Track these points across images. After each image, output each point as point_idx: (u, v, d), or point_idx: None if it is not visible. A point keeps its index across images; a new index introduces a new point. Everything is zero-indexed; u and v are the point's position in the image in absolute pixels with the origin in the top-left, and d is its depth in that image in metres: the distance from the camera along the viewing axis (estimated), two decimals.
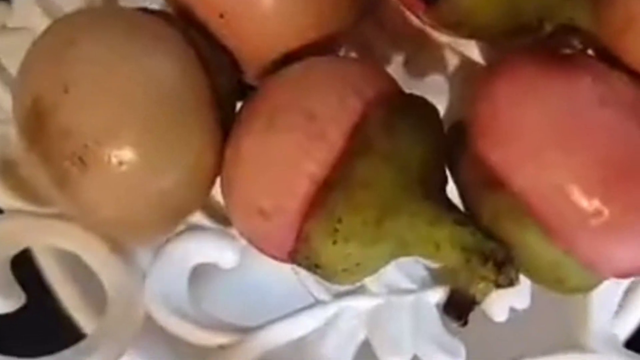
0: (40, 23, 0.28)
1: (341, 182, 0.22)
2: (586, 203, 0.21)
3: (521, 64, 0.22)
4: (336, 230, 0.22)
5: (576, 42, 0.21)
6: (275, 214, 0.22)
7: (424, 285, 0.27)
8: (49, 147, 0.22)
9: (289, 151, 0.22)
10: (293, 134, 0.22)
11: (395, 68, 0.27)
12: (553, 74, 0.22)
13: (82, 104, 0.22)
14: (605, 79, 0.22)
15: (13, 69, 0.27)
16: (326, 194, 0.22)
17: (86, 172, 0.22)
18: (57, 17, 0.28)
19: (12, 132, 0.25)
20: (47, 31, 0.24)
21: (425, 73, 0.28)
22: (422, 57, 0.27)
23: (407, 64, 0.28)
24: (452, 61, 0.27)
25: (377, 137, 0.22)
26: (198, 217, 0.27)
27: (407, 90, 0.24)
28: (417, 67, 0.28)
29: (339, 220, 0.22)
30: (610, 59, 0.23)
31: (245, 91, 0.25)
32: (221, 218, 0.27)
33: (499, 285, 0.21)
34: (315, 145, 0.22)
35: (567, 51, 0.21)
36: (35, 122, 0.23)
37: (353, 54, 0.27)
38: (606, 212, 0.21)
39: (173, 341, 0.25)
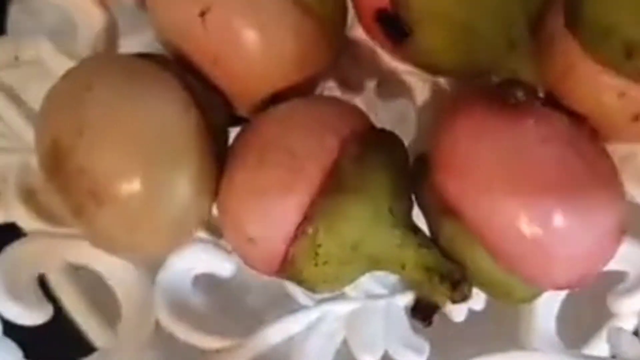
0: (48, 56, 0.29)
1: (320, 214, 0.24)
2: (526, 228, 0.23)
3: (476, 107, 0.25)
4: (317, 254, 0.24)
5: (520, 95, 0.24)
6: (262, 242, 0.24)
7: (394, 291, 0.29)
8: (66, 182, 0.24)
9: (274, 186, 0.24)
10: (277, 170, 0.24)
11: (367, 97, 0.29)
12: (501, 117, 0.24)
13: (95, 146, 0.24)
14: (547, 121, 0.24)
15: (30, 101, 0.29)
16: (308, 224, 0.24)
17: (101, 207, 0.24)
18: (63, 49, 0.30)
19: (33, 161, 0.26)
20: (66, 75, 0.25)
21: (395, 101, 0.29)
22: (392, 86, 0.29)
23: (378, 93, 0.29)
24: (420, 89, 0.29)
25: (351, 171, 0.24)
26: (200, 232, 0.28)
27: (378, 117, 0.26)
28: (387, 95, 0.29)
29: (319, 246, 0.24)
30: (553, 102, 0.26)
31: (238, 121, 0.27)
32: (220, 233, 0.28)
33: (454, 301, 0.24)
34: (297, 181, 0.24)
35: (513, 101, 0.24)
36: (54, 161, 0.24)
37: (331, 84, 0.29)
38: (543, 236, 0.23)
39: (172, 345, 0.27)
